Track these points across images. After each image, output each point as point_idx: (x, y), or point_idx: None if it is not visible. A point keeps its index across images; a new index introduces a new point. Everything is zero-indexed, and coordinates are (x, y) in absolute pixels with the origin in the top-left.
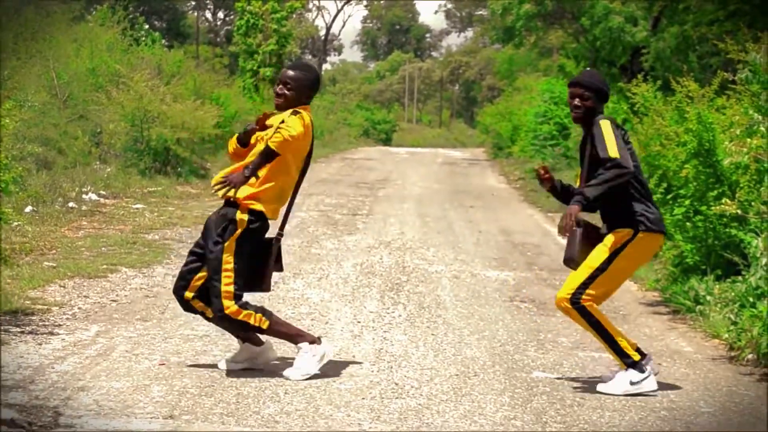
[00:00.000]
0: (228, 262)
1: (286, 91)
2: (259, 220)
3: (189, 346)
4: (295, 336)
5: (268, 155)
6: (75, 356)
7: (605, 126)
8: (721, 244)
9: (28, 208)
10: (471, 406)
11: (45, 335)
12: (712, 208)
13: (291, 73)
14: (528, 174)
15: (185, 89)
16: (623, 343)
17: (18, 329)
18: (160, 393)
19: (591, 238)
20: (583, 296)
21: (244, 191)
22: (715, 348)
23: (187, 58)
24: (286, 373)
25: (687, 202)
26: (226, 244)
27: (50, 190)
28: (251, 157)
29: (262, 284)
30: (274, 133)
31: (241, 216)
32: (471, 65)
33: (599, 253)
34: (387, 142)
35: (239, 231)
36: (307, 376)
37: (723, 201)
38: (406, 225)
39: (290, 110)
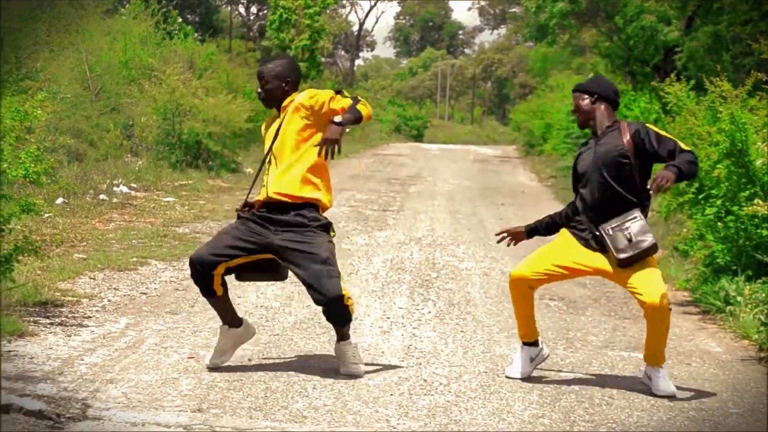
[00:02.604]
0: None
1: (264, 86)
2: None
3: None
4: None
5: (358, 119)
6: (104, 348)
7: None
8: (752, 245)
9: (59, 200)
10: (499, 404)
11: (74, 327)
12: (744, 208)
13: (261, 68)
14: (559, 172)
15: (218, 83)
16: None
17: (48, 321)
18: (189, 386)
19: None
20: None
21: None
22: (744, 349)
23: (220, 52)
24: None
25: (719, 202)
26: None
27: (81, 182)
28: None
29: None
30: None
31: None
32: (504, 62)
33: (653, 267)
34: (419, 138)
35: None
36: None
37: (755, 202)
38: (437, 221)
39: (303, 90)
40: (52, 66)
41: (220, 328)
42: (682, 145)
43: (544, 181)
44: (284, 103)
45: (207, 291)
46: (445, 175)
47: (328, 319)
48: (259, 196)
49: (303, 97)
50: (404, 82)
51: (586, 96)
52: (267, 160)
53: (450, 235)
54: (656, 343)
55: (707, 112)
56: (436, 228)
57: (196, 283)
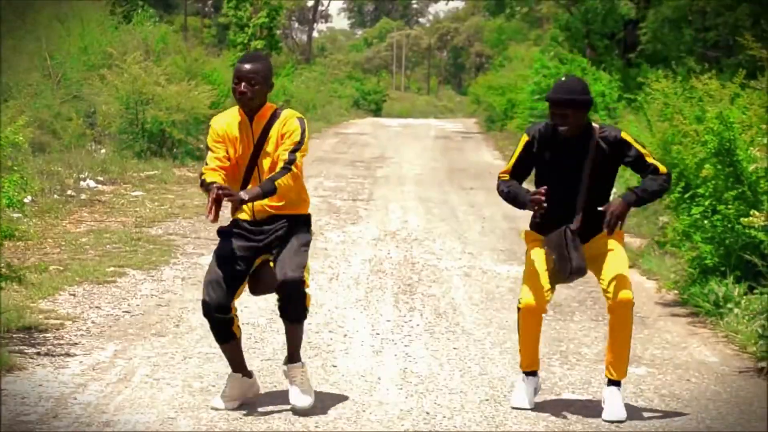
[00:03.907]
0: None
1: (254, 86)
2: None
3: (210, 368)
4: None
5: (267, 194)
6: (96, 383)
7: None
8: (739, 245)
9: (28, 199)
10: None
11: (62, 356)
12: (742, 220)
13: (249, 66)
14: None
15: (177, 68)
16: None
17: (34, 350)
18: (187, 426)
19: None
20: None
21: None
22: (740, 358)
23: (175, 30)
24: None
25: (706, 202)
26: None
27: (47, 177)
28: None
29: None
30: (285, 169)
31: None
32: (459, 31)
33: (621, 251)
34: (377, 112)
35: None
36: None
37: (751, 212)
38: (409, 211)
39: (292, 116)
40: (12, 55)
41: (231, 376)
42: (659, 166)
43: (508, 159)
44: (261, 111)
45: (225, 336)
46: (409, 156)
47: (283, 311)
48: (240, 213)
49: (286, 120)
50: (360, 54)
51: (579, 108)
52: (249, 170)
53: (424, 228)
54: (626, 348)
55: (693, 110)
56: (408, 219)
57: (215, 330)
